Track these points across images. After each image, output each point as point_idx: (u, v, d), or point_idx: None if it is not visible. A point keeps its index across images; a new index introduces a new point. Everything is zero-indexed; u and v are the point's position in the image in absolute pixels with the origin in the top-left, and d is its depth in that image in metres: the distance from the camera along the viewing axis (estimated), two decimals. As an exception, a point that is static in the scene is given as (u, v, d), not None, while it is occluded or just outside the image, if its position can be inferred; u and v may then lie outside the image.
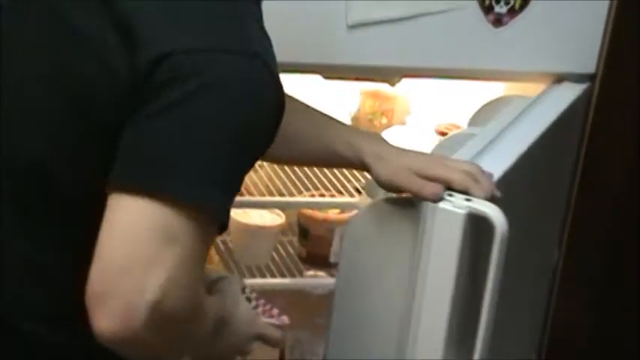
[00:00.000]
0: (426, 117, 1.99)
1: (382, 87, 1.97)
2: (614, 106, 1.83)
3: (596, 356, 2.03)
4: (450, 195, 1.18)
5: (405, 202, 1.22)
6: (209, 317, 1.06)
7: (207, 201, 0.97)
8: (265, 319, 1.20)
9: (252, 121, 1.00)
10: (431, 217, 1.17)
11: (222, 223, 1.00)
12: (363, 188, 1.50)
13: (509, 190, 1.23)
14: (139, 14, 0.99)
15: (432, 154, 1.34)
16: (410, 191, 1.21)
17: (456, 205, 1.16)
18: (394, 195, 1.25)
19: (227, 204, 1.00)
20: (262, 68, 1.01)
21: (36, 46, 1.04)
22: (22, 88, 1.04)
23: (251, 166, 1.04)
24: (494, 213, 1.15)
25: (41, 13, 1.05)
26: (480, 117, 1.67)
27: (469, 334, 1.19)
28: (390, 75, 1.70)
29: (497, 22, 1.64)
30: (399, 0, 1.56)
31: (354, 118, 2.04)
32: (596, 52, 1.73)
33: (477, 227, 1.17)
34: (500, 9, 1.63)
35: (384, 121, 2.03)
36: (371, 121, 2.04)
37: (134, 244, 0.94)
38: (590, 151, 1.83)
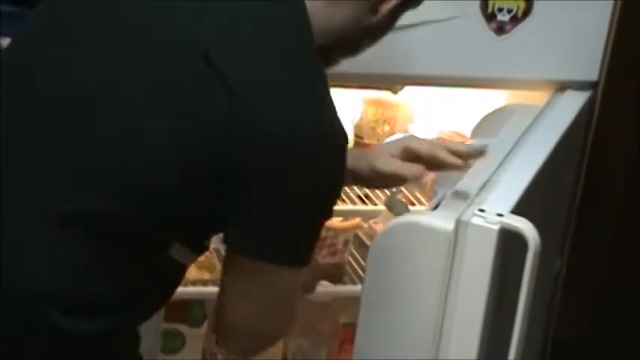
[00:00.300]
0: (428, 125, 1.98)
1: (385, 95, 1.97)
2: (617, 114, 1.83)
3: (596, 357, 2.04)
4: (482, 211, 1.18)
5: (434, 217, 1.22)
6: None
7: (308, 260, 1.14)
8: (326, 260, 1.34)
9: (335, 186, 1.12)
10: (463, 233, 1.17)
11: None
12: (384, 204, 1.49)
13: (531, 202, 1.23)
14: (248, 92, 1.03)
15: None
16: (390, 173, 1.25)
17: (488, 221, 1.16)
18: (422, 209, 1.24)
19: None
20: (341, 145, 1.10)
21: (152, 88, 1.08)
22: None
23: None
24: (527, 228, 1.15)
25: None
26: (485, 126, 1.66)
27: (497, 346, 1.19)
28: (392, 83, 1.70)
29: (500, 30, 1.64)
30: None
31: (357, 126, 2.04)
32: (599, 60, 1.73)
33: (505, 239, 1.17)
34: (503, 17, 1.63)
35: (387, 128, 2.03)
36: (373, 129, 2.03)
37: (257, 305, 1.15)
38: (592, 159, 1.83)
